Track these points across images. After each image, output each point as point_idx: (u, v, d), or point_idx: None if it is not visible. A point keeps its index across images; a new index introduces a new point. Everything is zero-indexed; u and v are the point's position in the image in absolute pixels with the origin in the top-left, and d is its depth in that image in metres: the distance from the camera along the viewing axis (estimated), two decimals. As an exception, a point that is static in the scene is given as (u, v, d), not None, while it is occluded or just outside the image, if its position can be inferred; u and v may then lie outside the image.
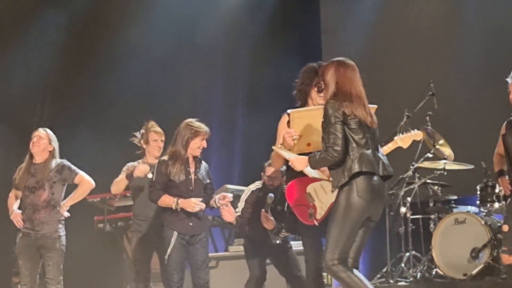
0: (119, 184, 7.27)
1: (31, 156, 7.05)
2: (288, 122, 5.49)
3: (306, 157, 5.26)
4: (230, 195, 6.58)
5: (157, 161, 6.72)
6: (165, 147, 7.04)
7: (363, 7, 11.34)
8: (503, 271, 7.81)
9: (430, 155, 8.64)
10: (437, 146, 8.46)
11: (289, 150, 5.45)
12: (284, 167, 5.82)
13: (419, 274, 8.41)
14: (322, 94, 5.54)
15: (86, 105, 10.64)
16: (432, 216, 8.71)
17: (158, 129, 7.21)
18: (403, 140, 5.79)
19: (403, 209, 8.60)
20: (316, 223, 5.46)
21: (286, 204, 5.72)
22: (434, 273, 8.37)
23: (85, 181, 7.05)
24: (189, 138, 6.50)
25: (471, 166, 8.64)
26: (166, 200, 6.44)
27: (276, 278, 7.38)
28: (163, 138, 7.18)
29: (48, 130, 7.16)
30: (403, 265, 8.62)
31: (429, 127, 8.34)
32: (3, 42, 10.24)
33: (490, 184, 8.24)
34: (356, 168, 5.05)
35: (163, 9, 10.93)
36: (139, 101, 10.73)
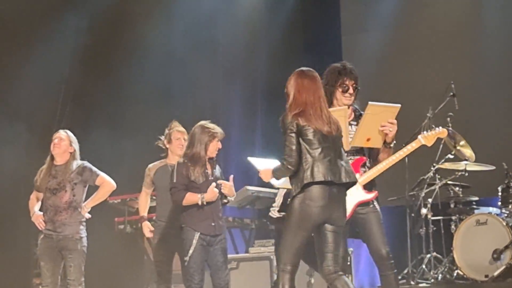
0: (142, 201, 7.32)
1: (52, 158, 7.07)
2: None
3: (271, 169, 5.40)
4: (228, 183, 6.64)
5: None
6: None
7: (383, 8, 11.30)
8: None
9: (451, 156, 8.61)
10: (458, 147, 8.42)
11: None
12: None
13: (440, 275, 8.38)
14: (347, 94, 5.65)
15: (106, 106, 10.67)
16: (453, 218, 8.67)
17: (181, 128, 7.22)
18: (427, 138, 5.75)
19: (424, 211, 8.57)
20: None
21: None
22: (455, 274, 8.33)
23: (106, 182, 7.08)
24: (208, 141, 6.53)
25: (492, 167, 8.60)
26: (191, 198, 6.44)
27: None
28: (185, 137, 7.18)
29: (69, 132, 7.19)
30: (424, 266, 8.60)
31: (450, 128, 8.30)
32: (23, 44, 10.28)
33: (512, 185, 8.21)
34: (307, 178, 5.16)
35: (182, 8, 10.94)
36: (159, 102, 10.74)
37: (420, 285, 8.38)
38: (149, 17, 10.82)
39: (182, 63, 11.05)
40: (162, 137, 7.28)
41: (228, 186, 6.63)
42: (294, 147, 5.20)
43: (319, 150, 5.20)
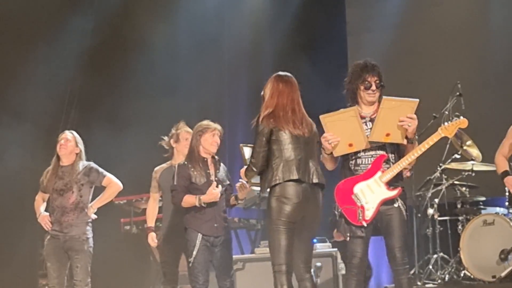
0: (150, 209, 7.27)
1: (58, 159, 7.08)
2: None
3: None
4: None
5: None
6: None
7: (389, 8, 11.29)
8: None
9: (458, 156, 8.59)
10: (465, 147, 8.40)
11: (330, 153, 5.56)
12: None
13: (447, 276, 8.36)
14: (369, 91, 5.63)
15: (111, 108, 10.68)
16: (460, 218, 8.64)
17: (189, 128, 7.22)
18: (447, 130, 5.65)
19: (430, 211, 8.55)
20: (365, 224, 5.50)
21: (335, 206, 5.75)
22: (462, 275, 8.30)
23: (113, 183, 7.09)
24: (199, 136, 6.55)
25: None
26: (189, 200, 6.44)
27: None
28: None
29: (74, 133, 7.20)
30: (430, 267, 8.57)
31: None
32: (29, 46, 10.30)
33: (520, 184, 8.17)
34: (275, 179, 5.42)
35: (187, 8, 10.95)
36: (164, 103, 10.74)
37: (427, 285, 8.36)
38: (154, 19, 10.83)
39: (188, 63, 11.05)
40: (166, 138, 7.27)
41: (243, 188, 6.50)
42: (260, 150, 5.49)
43: (289, 150, 5.47)
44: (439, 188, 8.67)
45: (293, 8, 11.56)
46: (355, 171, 5.60)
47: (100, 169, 7.08)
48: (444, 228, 8.81)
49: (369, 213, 5.51)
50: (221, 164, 6.70)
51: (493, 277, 7.92)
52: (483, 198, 8.86)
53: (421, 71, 10.80)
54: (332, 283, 7.96)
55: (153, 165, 7.37)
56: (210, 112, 9.06)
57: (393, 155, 5.62)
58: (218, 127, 6.63)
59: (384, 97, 5.57)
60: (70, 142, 7.06)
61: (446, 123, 5.71)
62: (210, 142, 6.55)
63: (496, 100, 10.17)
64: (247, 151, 6.26)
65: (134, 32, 10.78)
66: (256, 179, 5.86)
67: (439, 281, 8.34)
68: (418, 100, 5.52)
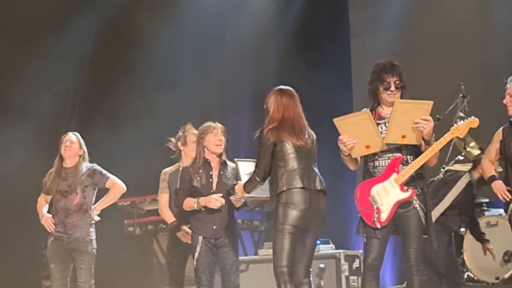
0: (164, 207, 7.24)
1: (61, 160, 7.08)
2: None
3: (242, 184, 5.95)
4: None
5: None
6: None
7: (392, 10, 11.28)
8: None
9: (461, 158, 8.58)
10: (468, 149, 8.39)
11: (348, 155, 5.63)
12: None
13: (450, 277, 8.34)
14: (389, 92, 5.63)
15: (114, 109, 10.68)
16: (464, 219, 8.63)
17: (196, 131, 7.21)
18: (458, 130, 5.64)
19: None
20: (379, 226, 5.52)
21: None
22: (465, 276, 8.30)
23: (117, 185, 7.10)
24: (201, 140, 6.54)
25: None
26: (188, 203, 6.45)
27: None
28: None
29: (78, 134, 7.21)
30: (434, 268, 8.56)
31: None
32: (32, 47, 10.32)
33: (523, 186, 8.15)
34: (281, 187, 5.60)
35: (191, 9, 10.95)
36: (168, 105, 10.75)
37: (431, 287, 8.35)
38: (158, 19, 10.83)
39: (191, 63, 11.05)
40: (172, 139, 7.27)
41: (237, 201, 6.42)
42: (265, 161, 5.70)
43: (294, 160, 5.65)
44: (443, 189, 8.65)
45: (296, 8, 11.56)
46: (373, 173, 5.63)
47: (104, 171, 7.10)
48: (447, 230, 8.80)
49: (384, 215, 5.52)
50: (228, 164, 6.62)
51: (497, 278, 7.93)
52: (487, 200, 8.84)
53: (424, 72, 10.78)
54: (336, 284, 7.97)
55: (157, 166, 7.37)
56: (213, 112, 9.06)
57: (411, 157, 5.61)
58: (219, 125, 6.61)
59: (396, 99, 5.57)
60: (74, 144, 7.07)
61: (457, 123, 5.70)
62: (213, 143, 6.52)
63: (499, 102, 10.11)
64: (242, 166, 6.28)
65: (137, 32, 10.79)
66: (254, 193, 6.02)
67: (443, 282, 8.33)
68: (432, 102, 5.51)
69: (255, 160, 5.85)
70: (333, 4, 11.88)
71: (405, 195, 5.53)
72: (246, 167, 6.28)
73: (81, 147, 7.11)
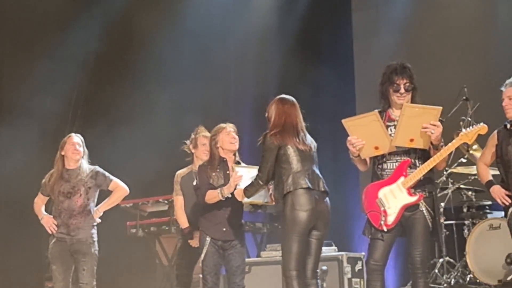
0: (180, 212, 7.23)
1: (63, 161, 7.08)
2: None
3: (242, 189, 6.09)
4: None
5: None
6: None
7: (395, 12, 11.27)
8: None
9: (464, 160, 8.57)
10: (471, 151, 8.39)
11: (357, 156, 5.66)
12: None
13: (453, 280, 8.35)
14: (398, 94, 5.63)
15: (117, 111, 10.69)
16: (466, 222, 8.64)
17: (208, 133, 7.20)
18: (467, 136, 5.63)
19: (436, 215, 8.52)
20: (385, 229, 5.53)
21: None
22: (468, 279, 8.30)
23: (120, 187, 7.11)
24: (214, 140, 6.59)
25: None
26: (211, 194, 6.43)
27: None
28: None
29: (80, 136, 7.21)
30: (436, 271, 8.57)
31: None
32: (36, 49, 10.33)
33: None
34: (286, 188, 5.75)
35: (194, 11, 10.95)
36: (170, 106, 10.75)
37: (433, 290, 8.36)
38: (161, 20, 10.84)
39: (193, 65, 11.06)
40: (187, 142, 7.29)
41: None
42: (268, 165, 5.85)
43: (298, 162, 5.81)
44: (445, 192, 8.67)
45: (299, 10, 11.56)
46: (381, 176, 5.63)
47: (107, 173, 7.10)
48: (450, 232, 8.80)
49: (391, 218, 5.53)
50: (242, 164, 6.64)
51: (499, 281, 7.91)
52: (489, 202, 8.83)
53: (427, 75, 10.70)
54: (338, 287, 7.96)
55: (160, 168, 7.40)
56: (216, 113, 9.07)
57: (419, 161, 5.60)
58: (230, 124, 6.69)
59: (405, 103, 5.56)
60: (81, 146, 7.09)
61: (465, 129, 5.69)
62: (228, 141, 6.58)
63: (502, 104, 10.13)
64: (242, 171, 6.27)
65: (140, 33, 10.80)
66: (254, 198, 6.13)
67: (445, 285, 8.33)
68: (441, 108, 5.51)
69: (251, 166, 6.02)
70: (336, 6, 11.88)
71: (412, 199, 5.53)
72: (245, 172, 6.28)
73: (84, 149, 7.12)
